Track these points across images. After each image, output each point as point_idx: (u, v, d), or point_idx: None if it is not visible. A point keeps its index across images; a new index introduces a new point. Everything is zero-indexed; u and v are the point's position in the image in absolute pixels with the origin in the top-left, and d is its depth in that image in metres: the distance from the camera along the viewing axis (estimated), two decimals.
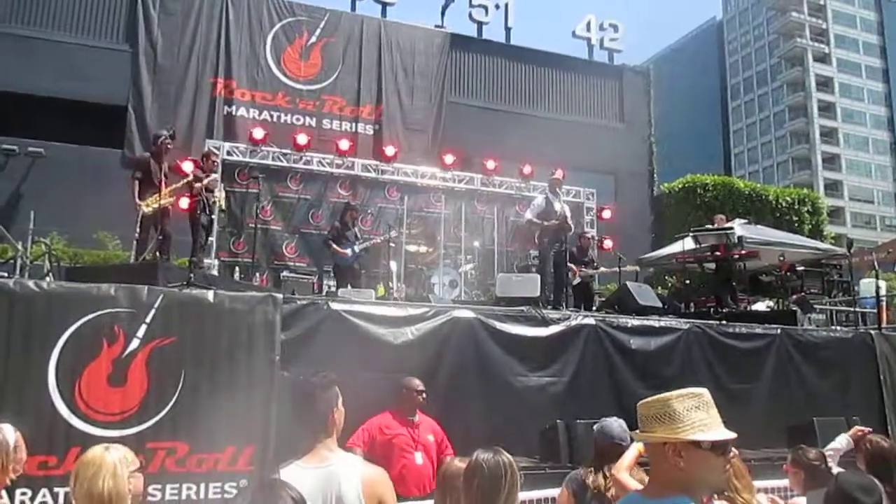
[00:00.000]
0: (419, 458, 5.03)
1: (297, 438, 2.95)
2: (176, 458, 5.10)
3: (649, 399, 2.18)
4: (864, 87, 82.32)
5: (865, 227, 75.22)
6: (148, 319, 5.25)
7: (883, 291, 12.60)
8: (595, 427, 4.08)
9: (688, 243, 11.71)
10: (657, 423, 2.09)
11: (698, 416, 2.05)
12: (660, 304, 8.67)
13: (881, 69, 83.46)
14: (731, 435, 2.05)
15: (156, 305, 5.29)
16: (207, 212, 9.60)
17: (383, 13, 18.82)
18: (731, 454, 2.10)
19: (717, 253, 11.24)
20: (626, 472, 3.34)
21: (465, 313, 6.42)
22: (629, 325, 7.18)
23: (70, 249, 12.99)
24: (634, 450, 3.40)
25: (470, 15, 19.70)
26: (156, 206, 8.44)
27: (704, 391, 2.13)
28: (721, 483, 2.06)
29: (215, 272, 10.49)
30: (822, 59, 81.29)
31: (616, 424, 4.07)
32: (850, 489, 3.17)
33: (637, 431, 2.20)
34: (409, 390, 5.25)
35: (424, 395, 5.27)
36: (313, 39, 17.70)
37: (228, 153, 13.25)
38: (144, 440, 5.01)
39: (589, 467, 3.87)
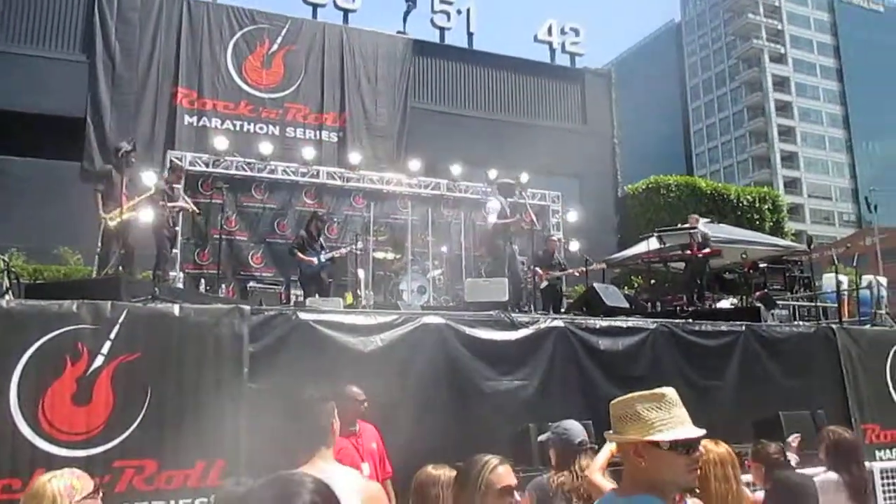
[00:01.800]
0: (366, 468, 4.79)
1: (293, 450, 2.93)
2: (144, 477, 5.00)
3: (617, 399, 2.22)
4: (819, 87, 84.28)
5: (824, 224, 76.93)
6: (112, 335, 5.14)
7: (844, 286, 12.87)
8: (554, 430, 4.08)
9: (652, 243, 11.87)
10: (622, 423, 2.12)
11: (658, 415, 2.09)
12: (627, 305, 8.75)
13: (835, 69, 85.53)
14: (694, 434, 2.07)
15: (120, 321, 5.18)
16: (171, 224, 9.48)
17: (345, 20, 18.78)
18: (698, 452, 2.12)
19: (688, 252, 11.40)
20: (599, 472, 3.36)
21: (435, 319, 6.39)
22: (597, 326, 7.21)
23: (30, 266, 12.73)
24: (607, 450, 3.43)
25: (432, 21, 19.75)
26: (119, 219, 8.31)
27: (669, 391, 2.16)
28: (687, 482, 2.08)
29: (181, 285, 10.36)
30: (779, 59, 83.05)
31: (578, 426, 4.09)
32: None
33: (609, 432, 2.22)
34: (351, 400, 4.92)
35: (365, 403, 5.04)
36: (275, 47, 17.59)
37: (191, 163, 13.10)
38: (111, 459, 4.90)
39: (554, 471, 3.89)
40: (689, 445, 2.06)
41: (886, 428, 8.41)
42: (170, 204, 9.12)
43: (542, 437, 4.08)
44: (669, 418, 2.07)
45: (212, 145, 13.92)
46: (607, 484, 3.32)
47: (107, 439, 4.98)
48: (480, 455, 2.76)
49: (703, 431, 2.09)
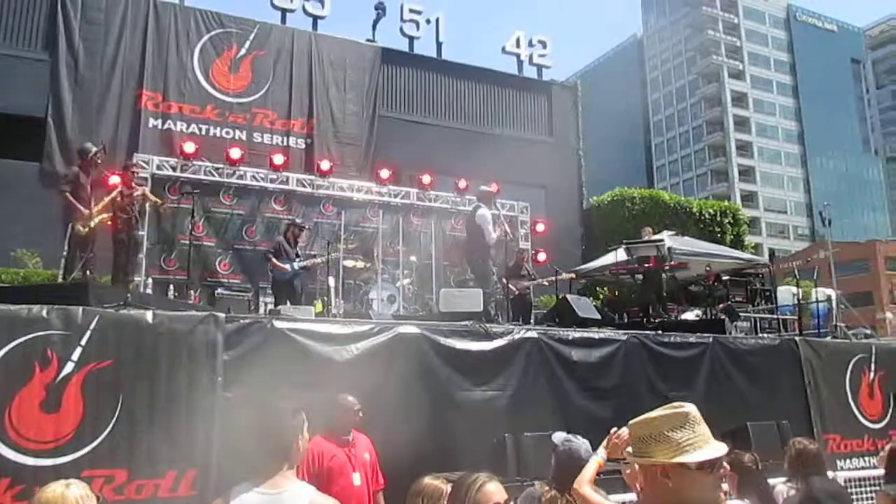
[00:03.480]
0: (357, 478, 4.81)
1: (255, 462, 2.85)
2: (114, 486, 4.89)
3: (637, 420, 2.19)
4: (775, 103, 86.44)
5: (780, 237, 78.79)
6: (83, 342, 5.03)
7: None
8: (558, 443, 4.05)
9: (620, 254, 12.01)
10: (646, 444, 2.10)
11: (684, 435, 2.05)
12: (599, 316, 8.85)
13: (791, 86, 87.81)
14: (719, 452, 2.06)
15: (91, 327, 5.07)
16: (137, 227, 9.30)
17: (314, 26, 18.67)
18: (724, 469, 2.11)
19: (648, 265, 11.56)
20: (588, 485, 3.37)
21: (410, 329, 6.39)
22: (570, 337, 7.27)
23: None
24: (595, 463, 3.44)
25: (401, 30, 19.74)
26: (94, 222, 8.15)
27: (691, 408, 2.13)
28: (715, 500, 2.07)
29: (149, 291, 10.18)
30: (737, 75, 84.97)
31: (584, 447, 4.08)
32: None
33: (629, 451, 2.21)
34: (345, 410, 4.99)
35: (360, 413, 5.07)
36: (243, 52, 17.41)
37: (158, 167, 12.90)
38: (80, 468, 4.77)
39: (549, 485, 3.88)
40: (714, 464, 2.04)
41: (847, 438, 8.64)
42: (130, 195, 8.93)
43: (556, 441, 4.04)
44: (695, 437, 2.04)
45: (178, 149, 13.70)
46: (599, 497, 3.34)
47: (76, 448, 4.87)
48: (468, 473, 2.74)
49: (726, 448, 2.09)
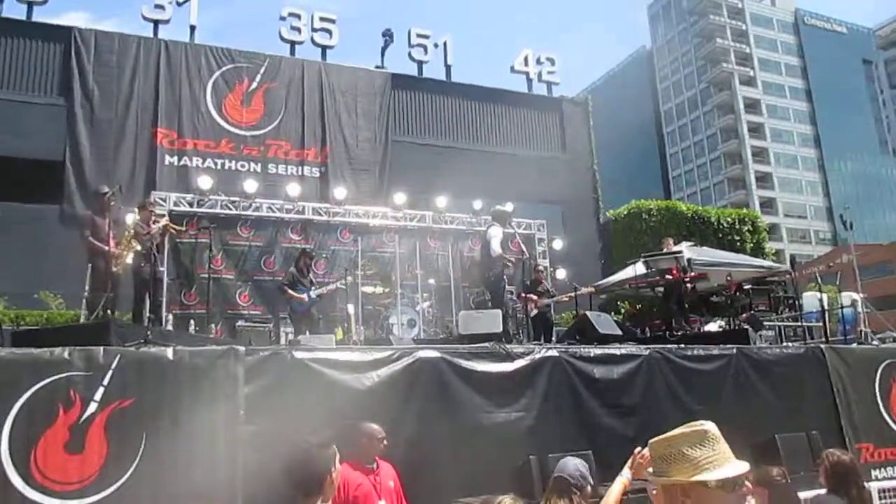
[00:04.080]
0: None
1: (292, 498, 2.86)
2: None
3: (657, 439, 2.17)
4: (789, 108, 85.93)
5: (801, 242, 77.91)
6: (105, 381, 5.05)
7: (825, 304, 12.98)
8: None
9: (639, 268, 11.92)
10: (665, 463, 2.08)
11: (703, 453, 2.03)
12: (619, 332, 8.76)
13: (804, 90, 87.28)
14: (740, 470, 2.03)
15: (113, 366, 5.10)
16: (157, 263, 9.37)
17: (323, 56, 18.93)
18: (745, 488, 2.09)
19: (669, 276, 11.45)
20: None
21: (430, 353, 6.35)
22: (591, 354, 7.19)
23: (11, 311, 12.53)
24: (619, 484, 3.40)
25: (409, 55, 19.95)
26: (127, 258, 8.27)
27: (710, 426, 2.11)
28: None
29: (170, 326, 10.23)
30: (748, 82, 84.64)
31: (571, 464, 4.11)
32: None
33: (650, 471, 2.19)
34: (370, 438, 4.99)
35: (385, 441, 5.05)
36: (254, 85, 17.67)
37: (175, 204, 13.05)
38: None
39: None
40: (735, 482, 2.02)
41: (880, 447, 8.43)
42: (153, 230, 9.03)
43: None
44: (715, 455, 2.02)
45: (195, 184, 13.86)
46: None
47: (100, 488, 4.86)
48: (492, 496, 2.72)
49: (747, 466, 2.06)
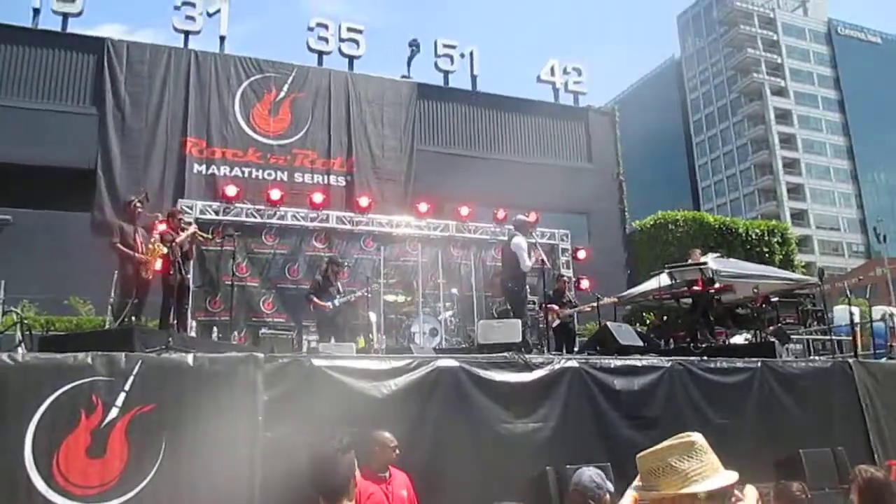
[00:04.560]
0: None
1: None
2: None
3: (644, 452, 2.15)
4: (821, 118, 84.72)
5: (833, 255, 76.60)
6: (127, 387, 5.13)
7: (856, 318, 12.76)
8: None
9: (663, 279, 11.82)
10: (654, 477, 2.06)
11: (691, 465, 2.02)
12: (640, 343, 8.69)
13: (836, 100, 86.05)
14: (729, 480, 2.02)
15: (134, 372, 5.17)
16: (182, 272, 9.48)
17: (350, 66, 19.10)
18: (734, 497, 2.07)
19: (696, 287, 11.34)
20: None
21: (449, 362, 6.35)
22: (612, 365, 7.14)
23: (41, 317, 12.76)
24: (629, 498, 3.37)
25: (436, 64, 20.05)
26: (155, 264, 8.42)
27: (697, 437, 2.10)
28: None
29: (193, 333, 10.35)
30: (780, 92, 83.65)
31: (586, 475, 4.08)
32: None
33: (637, 484, 2.17)
34: (382, 446, 5.02)
35: (397, 450, 5.06)
36: (282, 95, 17.86)
37: (202, 212, 13.20)
38: None
39: None
40: (725, 493, 2.01)
41: None
42: (177, 240, 9.16)
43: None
44: (703, 467, 2.01)
45: (222, 192, 14.03)
46: None
47: (121, 492, 4.92)
48: None
49: (736, 476, 2.04)
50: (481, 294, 14.82)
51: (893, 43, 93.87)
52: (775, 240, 21.95)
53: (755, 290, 13.14)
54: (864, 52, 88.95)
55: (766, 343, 10.13)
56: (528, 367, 6.64)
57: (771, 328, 12.04)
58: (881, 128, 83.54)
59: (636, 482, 3.34)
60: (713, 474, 2.01)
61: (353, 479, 2.91)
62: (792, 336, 12.09)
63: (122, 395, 5.11)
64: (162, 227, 9.51)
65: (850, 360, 8.69)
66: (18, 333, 9.16)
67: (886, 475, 4.43)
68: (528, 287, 9.51)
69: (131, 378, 5.16)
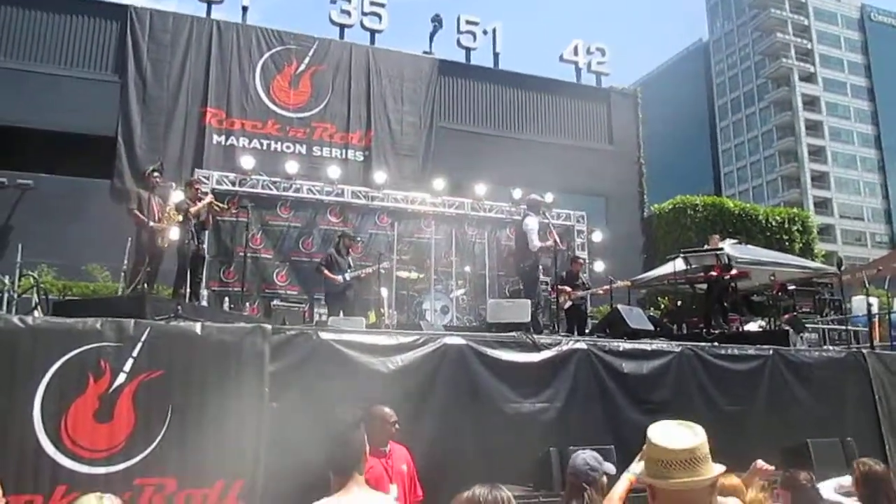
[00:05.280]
0: (394, 490, 4.80)
1: (333, 472, 2.92)
2: (164, 495, 5.00)
3: (659, 443, 2.22)
4: (850, 106, 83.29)
5: (856, 244, 75.66)
6: (135, 353, 5.17)
7: (875, 309, 12.62)
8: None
9: (679, 264, 11.74)
10: (665, 466, 2.15)
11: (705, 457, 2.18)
12: (651, 327, 8.65)
13: (866, 88, 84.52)
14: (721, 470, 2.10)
15: (143, 339, 5.21)
16: (197, 241, 9.54)
17: (371, 40, 18.97)
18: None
19: (713, 273, 11.25)
20: (619, 502, 3.29)
21: (456, 340, 6.34)
22: (621, 348, 7.11)
23: (59, 282, 12.91)
24: (626, 480, 3.36)
25: (458, 41, 19.86)
26: (171, 232, 8.48)
27: (702, 433, 2.24)
28: None
29: (205, 302, 10.42)
30: (808, 78, 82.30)
31: (580, 458, 4.05)
32: None
33: (639, 469, 2.22)
34: (382, 421, 4.98)
35: (397, 424, 5.06)
36: (302, 67, 17.79)
37: (218, 182, 13.26)
38: (132, 476, 4.91)
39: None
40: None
41: None
42: (193, 209, 9.21)
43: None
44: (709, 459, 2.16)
45: (239, 164, 14.05)
46: None
47: (128, 457, 4.98)
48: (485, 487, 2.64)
49: (723, 468, 2.09)
50: (494, 273, 14.81)
51: None
52: (795, 228, 21.67)
53: (772, 278, 13.02)
54: None
55: (779, 331, 10.05)
56: (536, 347, 6.62)
57: (786, 316, 11.94)
58: None
59: (636, 466, 3.34)
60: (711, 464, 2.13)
61: (365, 455, 2.90)
62: (808, 325, 11.97)
63: (131, 361, 5.16)
64: (179, 196, 9.57)
65: (865, 351, 8.63)
66: (35, 297, 9.28)
67: (885, 469, 4.43)
68: (540, 268, 9.47)
69: (140, 344, 5.20)
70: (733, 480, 3.43)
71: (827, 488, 4.61)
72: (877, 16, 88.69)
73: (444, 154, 18.14)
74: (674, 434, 2.20)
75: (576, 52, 21.07)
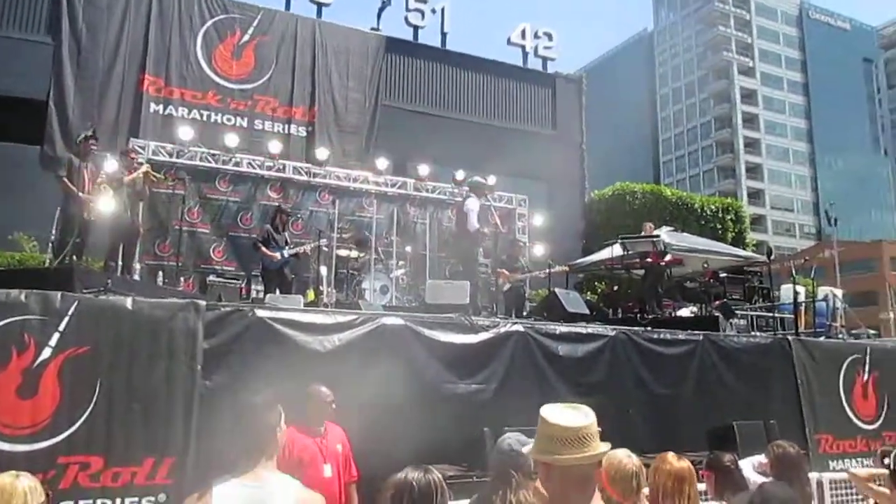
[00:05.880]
0: (328, 470, 4.78)
1: (234, 456, 2.84)
2: (90, 473, 4.87)
3: (554, 421, 2.34)
4: (785, 101, 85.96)
5: (786, 235, 78.45)
6: (61, 328, 5.00)
7: (801, 297, 13.09)
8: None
9: (616, 250, 11.95)
10: (558, 443, 2.31)
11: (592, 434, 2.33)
12: (587, 311, 8.81)
13: (801, 83, 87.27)
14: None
15: (70, 313, 5.04)
16: (131, 213, 9.26)
17: (318, 13, 18.59)
18: None
19: (648, 259, 11.51)
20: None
21: (395, 320, 6.35)
22: (557, 331, 7.22)
23: None
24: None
25: (406, 19, 19.65)
26: (99, 204, 8.18)
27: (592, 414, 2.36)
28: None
29: (137, 276, 10.13)
30: (747, 72, 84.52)
31: (506, 442, 4.04)
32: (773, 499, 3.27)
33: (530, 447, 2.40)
34: (318, 400, 4.92)
35: (334, 404, 4.99)
36: (246, 38, 17.32)
37: (155, 152, 12.88)
38: (56, 454, 4.77)
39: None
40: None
41: (840, 438, 8.59)
42: (127, 178, 8.93)
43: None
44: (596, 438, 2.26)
45: (177, 135, 13.67)
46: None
47: (52, 434, 4.84)
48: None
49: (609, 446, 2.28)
50: (435, 254, 14.82)
51: (861, 30, 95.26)
52: (729, 217, 22.29)
53: (705, 266, 13.38)
54: (833, 37, 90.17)
55: (710, 317, 10.34)
56: (474, 328, 6.67)
57: (717, 303, 12.29)
58: (842, 113, 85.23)
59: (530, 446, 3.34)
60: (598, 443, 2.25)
61: (275, 436, 2.82)
62: (737, 312, 12.35)
63: (57, 336, 5.00)
64: (113, 165, 9.26)
65: (790, 338, 8.94)
66: None
67: (798, 451, 4.64)
68: (480, 250, 9.51)
69: (66, 318, 5.04)
70: (683, 463, 3.48)
71: (746, 466, 4.77)
72: (814, 13, 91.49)
73: (388, 133, 17.97)
74: (565, 414, 2.30)
75: (523, 36, 21.08)
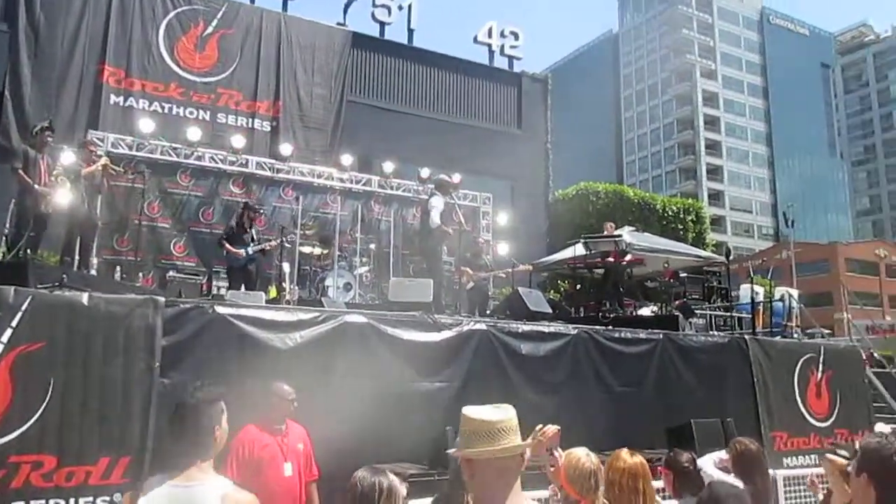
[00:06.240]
0: (288, 469, 4.75)
1: (174, 454, 2.73)
2: (42, 473, 4.76)
3: (474, 416, 2.33)
4: (745, 104, 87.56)
5: (744, 236, 79.91)
6: (14, 323, 4.87)
7: (759, 297, 13.34)
8: None
9: (579, 249, 12.05)
10: (477, 437, 2.28)
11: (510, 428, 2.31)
12: (550, 310, 8.86)
13: (761, 87, 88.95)
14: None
15: (23, 308, 4.91)
16: (88, 206, 9.07)
17: (284, 7, 18.40)
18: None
19: (609, 259, 11.62)
20: None
21: (357, 318, 6.32)
22: (519, 330, 7.25)
23: None
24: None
25: (373, 15, 19.55)
26: (55, 198, 7.98)
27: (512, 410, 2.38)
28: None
29: (94, 271, 9.92)
30: (709, 75, 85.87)
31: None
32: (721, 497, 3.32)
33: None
34: (279, 398, 4.88)
35: (295, 402, 4.95)
36: (210, 30, 17.06)
37: (114, 145, 12.61)
38: (7, 454, 4.64)
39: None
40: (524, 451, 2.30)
41: (794, 436, 8.78)
42: (85, 170, 8.75)
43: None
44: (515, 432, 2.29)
45: (137, 127, 13.42)
46: None
47: (3, 432, 4.71)
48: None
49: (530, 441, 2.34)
50: (399, 252, 14.78)
51: (819, 36, 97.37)
52: (690, 218, 22.64)
53: (665, 265, 13.56)
54: (792, 42, 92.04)
55: (670, 316, 10.47)
56: (437, 326, 6.67)
57: (677, 302, 12.47)
58: (800, 117, 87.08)
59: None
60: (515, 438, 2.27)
61: (213, 435, 2.69)
62: (696, 311, 12.54)
63: (9, 332, 4.87)
64: (70, 157, 9.05)
65: (747, 337, 9.10)
66: None
67: (759, 447, 4.74)
68: (444, 248, 9.50)
69: (20, 314, 4.91)
70: (636, 459, 3.50)
71: (707, 462, 4.84)
72: (775, 19, 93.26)
73: (353, 129, 17.86)
74: (483, 411, 2.32)
75: (490, 35, 21.12)
